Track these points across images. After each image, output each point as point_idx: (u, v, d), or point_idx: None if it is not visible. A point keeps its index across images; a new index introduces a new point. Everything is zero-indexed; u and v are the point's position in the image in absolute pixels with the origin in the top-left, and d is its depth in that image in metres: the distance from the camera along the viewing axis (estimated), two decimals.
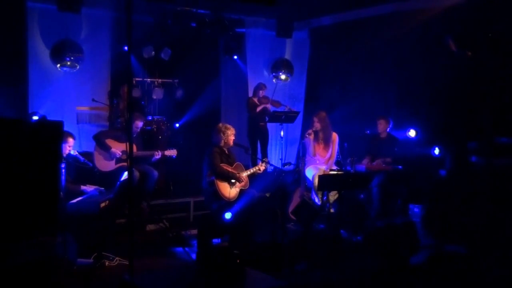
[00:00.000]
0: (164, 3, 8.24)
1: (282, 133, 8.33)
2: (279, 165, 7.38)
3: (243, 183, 6.32)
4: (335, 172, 6.68)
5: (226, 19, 8.77)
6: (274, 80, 9.87)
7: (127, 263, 3.81)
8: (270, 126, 8.94)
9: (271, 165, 6.91)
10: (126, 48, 6.29)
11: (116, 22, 8.16)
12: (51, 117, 7.01)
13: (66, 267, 4.71)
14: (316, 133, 7.09)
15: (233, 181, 6.23)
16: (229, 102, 9.66)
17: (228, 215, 5.96)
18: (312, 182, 6.83)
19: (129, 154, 3.81)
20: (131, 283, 3.65)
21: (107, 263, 5.18)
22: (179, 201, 7.53)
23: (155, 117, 8.40)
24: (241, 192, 6.30)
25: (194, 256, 5.48)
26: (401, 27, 7.67)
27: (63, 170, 5.25)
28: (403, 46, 7.89)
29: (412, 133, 7.61)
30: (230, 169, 6.25)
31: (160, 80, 8.71)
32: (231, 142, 6.41)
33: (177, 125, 8.92)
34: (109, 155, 6.46)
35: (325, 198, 6.30)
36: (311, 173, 6.89)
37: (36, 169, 2.80)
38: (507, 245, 5.43)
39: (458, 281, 4.73)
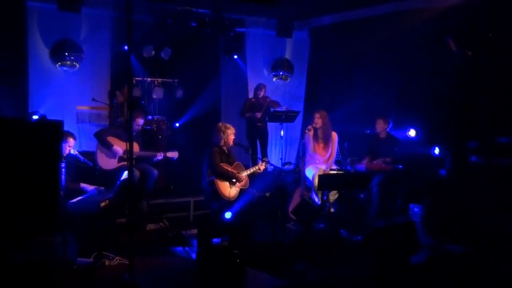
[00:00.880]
0: (164, 3, 8.25)
1: (282, 132, 8.32)
2: (279, 165, 7.37)
3: (243, 183, 6.31)
4: (335, 172, 6.67)
5: (226, 18, 8.78)
6: (274, 80, 9.88)
7: (127, 262, 3.82)
8: (270, 126, 8.94)
9: (271, 164, 6.90)
10: (126, 47, 6.28)
11: (116, 22, 8.16)
12: (51, 117, 7.02)
13: (66, 267, 4.72)
14: (315, 130, 7.07)
15: (233, 180, 6.24)
16: (229, 101, 9.66)
17: (228, 215, 5.95)
18: (312, 182, 6.83)
19: (129, 153, 3.81)
20: (131, 282, 3.65)
21: (107, 262, 5.16)
22: (179, 200, 7.53)
23: (155, 117, 8.39)
24: (241, 191, 6.29)
25: (194, 255, 5.47)
26: (401, 27, 7.67)
27: (63, 170, 5.24)
28: (403, 46, 7.89)
29: (412, 132, 7.60)
30: (230, 169, 6.25)
31: (160, 79, 8.70)
32: (231, 142, 6.40)
33: (177, 124, 8.92)
34: (111, 153, 6.47)
35: (325, 197, 6.30)
36: (311, 172, 6.88)
37: (36, 169, 2.80)
38: (507, 245, 5.44)
39: (458, 281, 4.73)
